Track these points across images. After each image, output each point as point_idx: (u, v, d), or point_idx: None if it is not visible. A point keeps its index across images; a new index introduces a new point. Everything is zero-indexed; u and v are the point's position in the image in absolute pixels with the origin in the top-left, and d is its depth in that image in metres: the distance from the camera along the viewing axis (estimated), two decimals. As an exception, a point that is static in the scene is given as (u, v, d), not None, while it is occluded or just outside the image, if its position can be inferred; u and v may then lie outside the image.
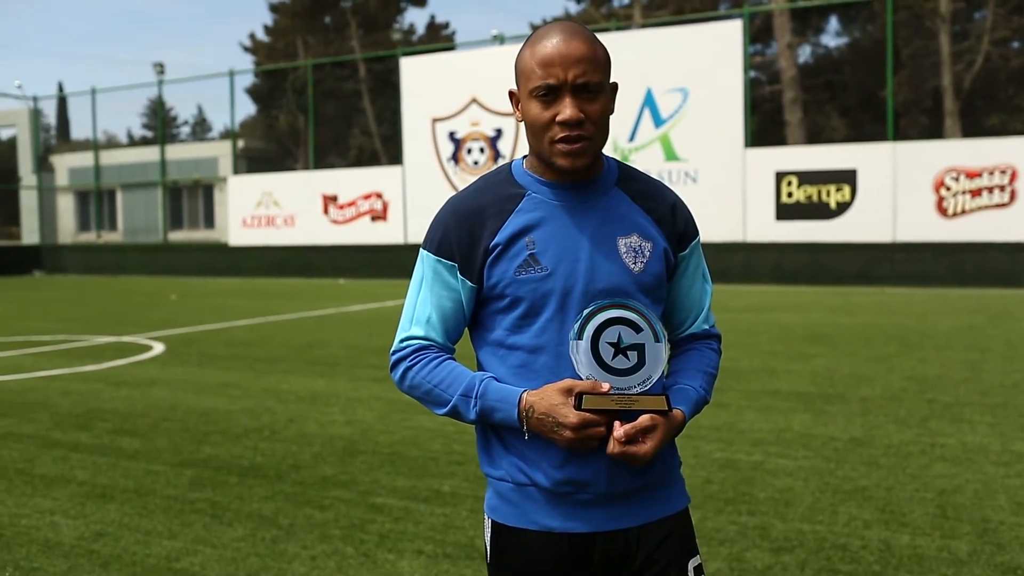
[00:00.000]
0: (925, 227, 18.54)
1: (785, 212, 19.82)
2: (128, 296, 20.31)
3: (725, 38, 20.55)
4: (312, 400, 7.49)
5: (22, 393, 8.04)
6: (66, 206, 37.71)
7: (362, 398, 7.52)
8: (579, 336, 1.72)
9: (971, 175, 18.23)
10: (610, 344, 1.73)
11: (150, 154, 34.48)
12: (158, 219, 32.06)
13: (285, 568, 3.85)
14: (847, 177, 19.28)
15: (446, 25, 43.28)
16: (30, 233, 35.30)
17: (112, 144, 52.88)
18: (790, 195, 19.78)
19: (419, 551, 4.01)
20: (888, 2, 20.39)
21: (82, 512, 4.64)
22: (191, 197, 35.92)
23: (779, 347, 10.06)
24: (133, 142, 56.12)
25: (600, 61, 1.73)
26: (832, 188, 19.40)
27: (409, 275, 1.94)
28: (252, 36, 43.72)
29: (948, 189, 18.42)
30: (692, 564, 1.84)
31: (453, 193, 1.87)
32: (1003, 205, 18.04)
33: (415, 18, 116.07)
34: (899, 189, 18.76)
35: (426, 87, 24.11)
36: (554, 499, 1.78)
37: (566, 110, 1.70)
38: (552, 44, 1.72)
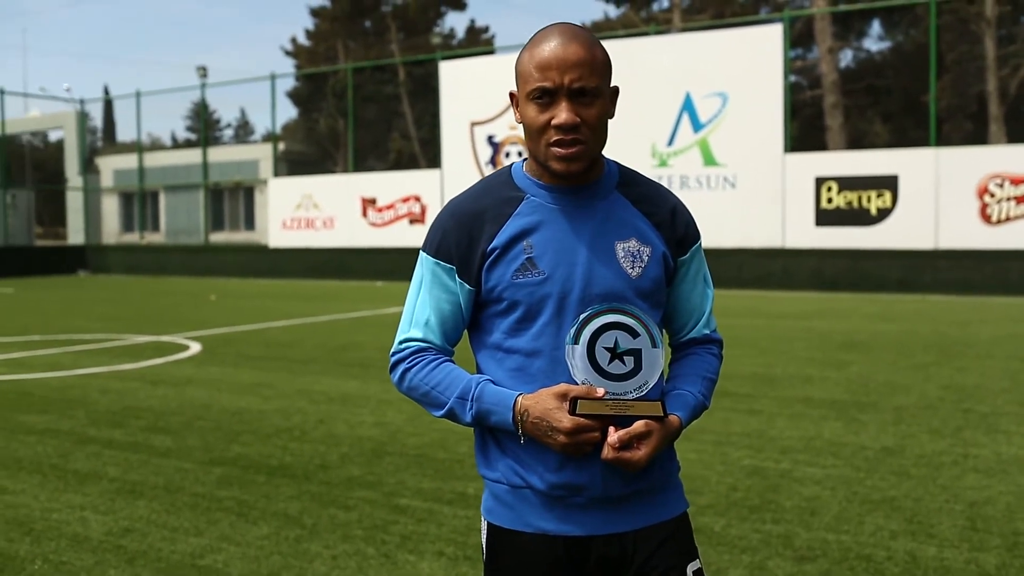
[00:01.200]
0: (968, 234, 18.23)
1: (825, 218, 19.60)
2: (169, 296, 20.59)
3: (765, 42, 20.37)
4: (343, 401, 7.55)
5: (62, 390, 8.18)
6: (111, 207, 38.34)
7: (392, 400, 7.56)
8: (575, 340, 1.72)
9: (1016, 181, 17.91)
10: (606, 349, 1.72)
11: (193, 156, 34.95)
12: (200, 220, 32.48)
13: (306, 567, 3.88)
14: (888, 183, 19.03)
15: (485, 29, 43.45)
16: (76, 233, 35.91)
17: (156, 146, 53.67)
18: (830, 201, 19.56)
19: (440, 553, 4.03)
20: (932, 6, 20.10)
21: (112, 508, 4.72)
22: (232, 199, 36.36)
23: (815, 354, 9.95)
24: (176, 144, 56.94)
25: (598, 65, 1.73)
26: (873, 194, 19.15)
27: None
28: (293, 40, 44.21)
29: (992, 195, 18.10)
30: (691, 568, 1.83)
31: None
32: (1049, 212, 17.69)
33: (455, 22, 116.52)
34: (941, 195, 18.47)
35: (465, 91, 24.18)
36: (549, 502, 1.79)
37: (561, 114, 1.70)
38: (550, 48, 1.72)
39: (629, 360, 1.73)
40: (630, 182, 1.88)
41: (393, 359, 1.89)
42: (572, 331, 1.73)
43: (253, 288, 22.98)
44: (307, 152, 39.83)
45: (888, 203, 19.01)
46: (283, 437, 6.28)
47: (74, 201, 36.40)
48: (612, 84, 1.78)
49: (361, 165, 32.02)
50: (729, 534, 4.21)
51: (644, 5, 35.06)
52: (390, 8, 41.28)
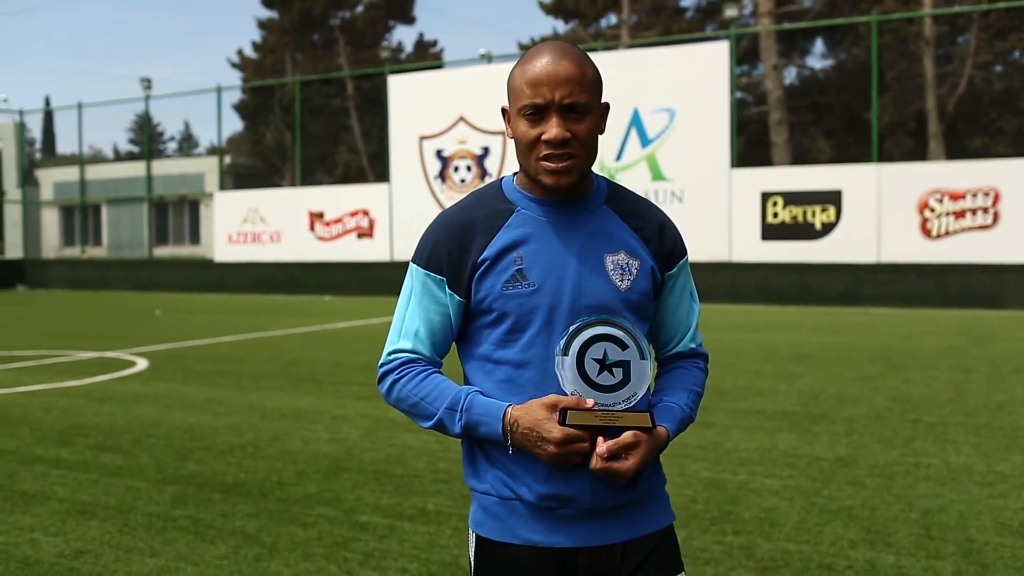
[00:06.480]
0: (909, 248, 18.65)
1: (771, 232, 19.90)
2: (112, 311, 20.19)
3: (712, 59, 20.67)
4: (297, 417, 7.46)
5: (3, 408, 7.97)
6: (50, 220, 37.55)
7: (347, 415, 7.49)
8: (565, 352, 1.74)
9: (955, 197, 18.37)
10: (596, 360, 1.74)
11: (136, 169, 34.39)
12: (143, 234, 31.94)
13: (268, 586, 3.82)
14: (832, 198, 19.40)
15: (434, 43, 43.42)
16: (13, 247, 35.10)
17: (98, 159, 52.72)
18: (775, 215, 19.88)
19: (403, 570, 3.99)
20: (873, 25, 20.58)
21: (62, 529, 4.60)
22: (177, 212, 35.84)
23: (764, 367, 10.08)
24: (119, 157, 55.97)
25: (588, 82, 1.76)
26: (817, 209, 19.51)
27: (396, 292, 1.96)
28: (240, 52, 43.75)
29: (932, 211, 18.55)
30: None
31: (440, 210, 1.91)
32: (986, 227, 18.17)
33: (403, 36, 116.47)
34: (883, 210, 18.88)
35: (414, 105, 24.15)
36: (538, 513, 1.80)
37: (552, 130, 1.74)
38: (541, 64, 1.76)
39: (618, 372, 1.75)
40: (618, 197, 1.91)
41: (382, 370, 1.89)
42: (561, 342, 1.75)
43: (199, 303, 22.64)
44: (253, 165, 39.44)
45: (832, 218, 19.37)
46: (237, 454, 6.18)
47: (12, 215, 35.60)
48: (603, 100, 1.81)
49: (308, 179, 31.79)
50: (691, 546, 4.23)
51: (592, 21, 35.38)
52: (338, 21, 41.10)
